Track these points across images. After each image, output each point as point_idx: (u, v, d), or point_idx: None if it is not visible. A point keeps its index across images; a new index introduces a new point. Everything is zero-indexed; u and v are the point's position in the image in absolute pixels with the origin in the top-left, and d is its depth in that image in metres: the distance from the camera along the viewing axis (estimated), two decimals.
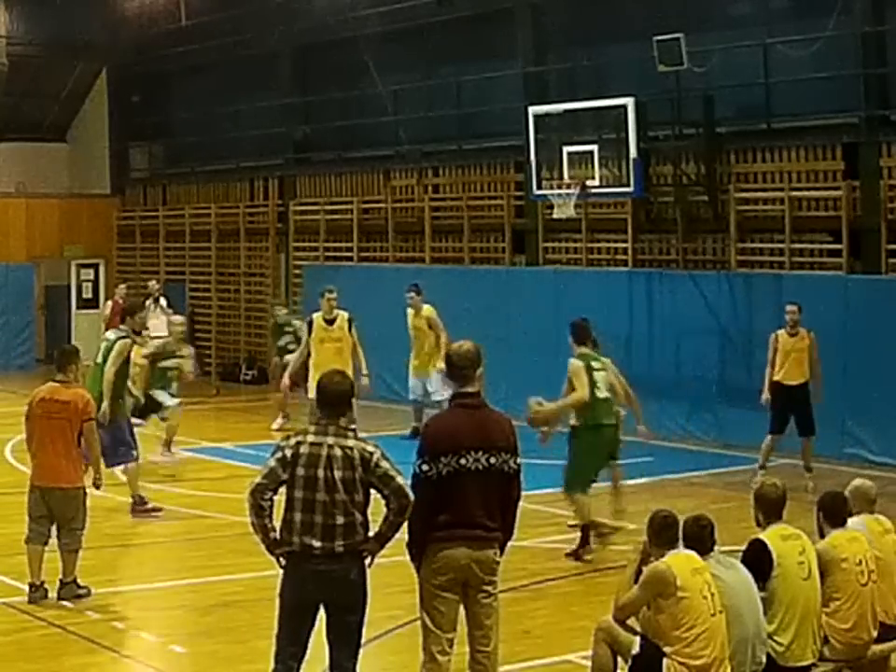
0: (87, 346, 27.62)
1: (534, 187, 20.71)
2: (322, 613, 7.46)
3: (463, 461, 7.47)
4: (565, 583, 11.59)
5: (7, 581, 11.42)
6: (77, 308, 30.55)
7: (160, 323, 25.29)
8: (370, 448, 7.38)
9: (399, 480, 7.34)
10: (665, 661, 7.38)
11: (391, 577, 9.33)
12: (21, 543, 12.49)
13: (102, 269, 31.22)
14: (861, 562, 8.27)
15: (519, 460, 7.70)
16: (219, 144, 28.71)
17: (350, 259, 25.46)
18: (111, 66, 31.75)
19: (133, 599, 11.17)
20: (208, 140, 29.23)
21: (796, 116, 19.16)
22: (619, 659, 7.76)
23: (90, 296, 30.22)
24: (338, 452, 7.31)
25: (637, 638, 7.61)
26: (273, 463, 7.39)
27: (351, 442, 7.36)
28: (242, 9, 27.22)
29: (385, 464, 7.34)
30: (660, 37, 18.92)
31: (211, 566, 11.95)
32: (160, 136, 31.26)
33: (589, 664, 8.02)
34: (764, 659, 7.75)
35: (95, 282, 30.76)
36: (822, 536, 8.43)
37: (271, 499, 7.40)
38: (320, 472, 7.28)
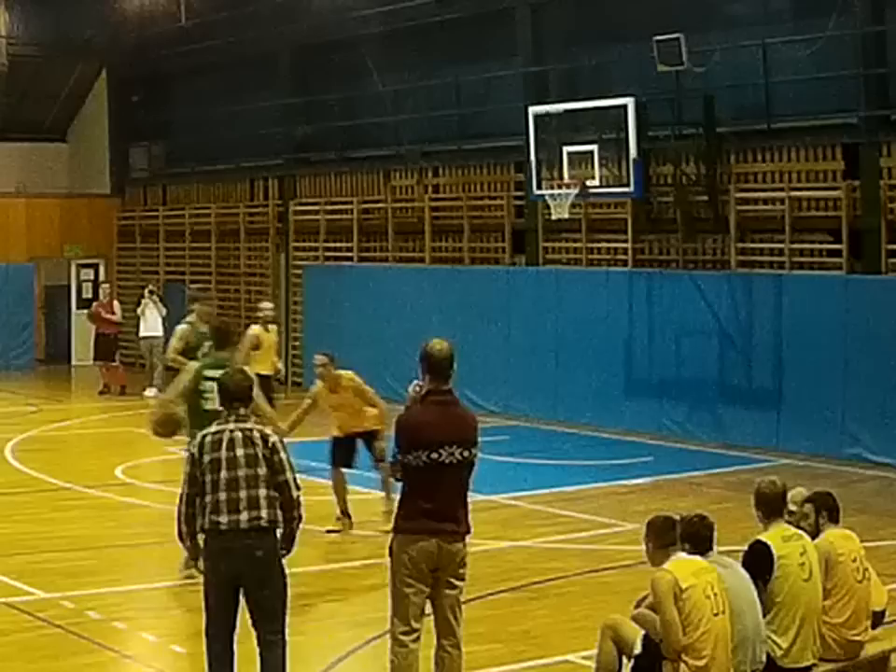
0: (85, 346, 27.96)
1: (534, 187, 20.71)
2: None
3: (435, 455, 7.69)
4: (565, 583, 11.59)
5: (8, 581, 11.42)
6: (77, 308, 30.55)
7: (153, 321, 25.40)
8: (268, 431, 7.89)
9: (289, 475, 7.78)
10: (666, 661, 7.38)
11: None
12: (21, 543, 12.54)
13: (102, 269, 31.23)
14: (855, 559, 8.29)
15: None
16: (219, 144, 28.71)
17: (350, 259, 25.46)
18: (111, 66, 31.74)
19: (133, 599, 11.18)
20: (208, 140, 29.23)
21: (796, 116, 19.15)
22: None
23: (90, 296, 30.21)
24: (238, 434, 7.79)
25: (640, 638, 7.61)
26: (187, 468, 7.86)
27: (250, 425, 7.86)
28: (242, 9, 27.21)
29: (282, 454, 7.81)
30: (660, 37, 18.92)
31: None
32: (160, 136, 31.26)
33: (589, 663, 8.02)
34: (765, 658, 7.75)
35: (95, 282, 30.75)
36: (818, 532, 8.41)
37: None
38: (223, 454, 7.73)
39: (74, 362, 30.20)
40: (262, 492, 7.66)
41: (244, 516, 7.60)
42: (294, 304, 26.97)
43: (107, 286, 27.44)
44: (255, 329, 18.02)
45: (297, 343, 26.44)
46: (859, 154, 18.36)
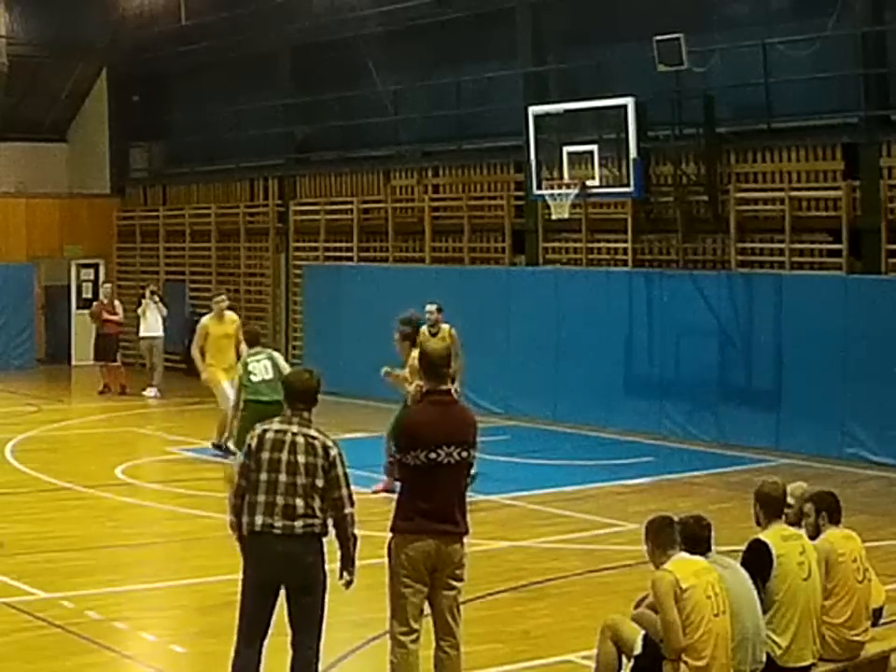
0: (85, 346, 27.95)
1: (534, 187, 20.71)
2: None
3: (433, 455, 7.69)
4: (565, 583, 11.58)
5: (7, 581, 11.41)
6: (77, 308, 30.56)
7: (154, 321, 25.41)
8: (330, 442, 7.70)
9: (344, 491, 7.64)
10: (666, 661, 7.38)
11: None
12: (21, 543, 12.53)
13: (102, 269, 31.23)
14: (856, 560, 8.29)
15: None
16: (219, 144, 28.72)
17: (350, 259, 25.46)
18: (111, 66, 31.74)
19: (133, 599, 11.17)
20: (208, 140, 29.24)
21: (796, 116, 19.16)
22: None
23: (90, 296, 30.22)
24: (301, 439, 7.65)
25: (640, 638, 7.61)
26: (243, 459, 7.74)
27: (314, 432, 7.70)
28: (242, 9, 27.22)
29: (339, 469, 7.65)
30: (660, 37, 18.92)
31: (211, 566, 11.93)
32: (160, 136, 31.26)
33: (589, 663, 8.02)
34: (765, 658, 7.75)
35: (95, 282, 30.76)
36: (818, 533, 8.41)
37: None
38: (283, 455, 7.60)
39: (74, 362, 30.20)
40: (317, 503, 7.56)
41: (298, 523, 7.53)
42: (294, 304, 26.98)
43: (108, 286, 27.44)
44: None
45: (297, 343, 26.44)
46: (859, 154, 18.37)
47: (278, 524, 7.53)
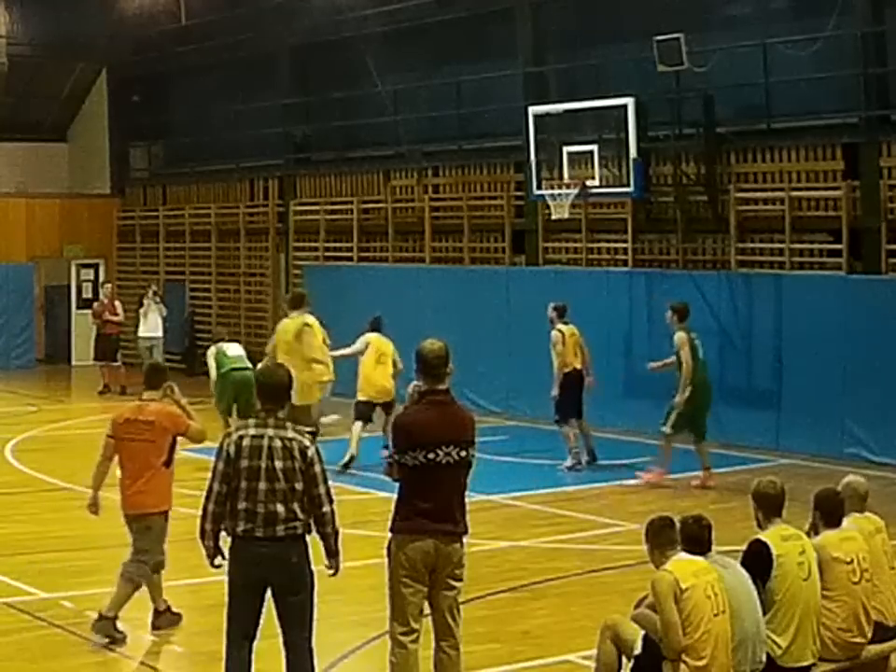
0: (85, 346, 27.92)
1: (534, 187, 20.72)
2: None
3: (432, 455, 7.70)
4: (565, 583, 11.59)
5: (8, 580, 11.42)
6: (77, 308, 30.57)
7: (154, 322, 25.42)
8: (306, 442, 7.68)
9: (322, 488, 7.65)
10: (666, 661, 7.38)
11: None
12: (21, 543, 12.52)
13: (102, 269, 31.23)
14: (852, 560, 8.24)
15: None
16: (219, 144, 28.72)
17: (350, 259, 25.46)
18: (111, 66, 31.76)
19: (133, 599, 11.15)
20: (208, 140, 29.24)
21: (796, 116, 19.16)
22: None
23: (89, 296, 30.23)
24: (278, 443, 7.62)
25: (640, 638, 7.61)
26: (221, 466, 7.67)
27: (290, 434, 7.67)
28: (242, 9, 27.24)
29: (317, 466, 7.64)
30: (660, 37, 18.93)
31: None
32: (160, 136, 31.27)
33: (589, 663, 8.01)
34: (765, 658, 7.74)
35: (95, 282, 30.78)
36: (816, 533, 8.42)
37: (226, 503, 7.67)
38: (262, 463, 7.59)
39: (74, 362, 30.21)
40: (298, 505, 7.58)
41: (280, 527, 7.55)
42: None
43: (109, 286, 27.44)
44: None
45: None
46: (859, 154, 18.37)
47: (259, 529, 7.55)
